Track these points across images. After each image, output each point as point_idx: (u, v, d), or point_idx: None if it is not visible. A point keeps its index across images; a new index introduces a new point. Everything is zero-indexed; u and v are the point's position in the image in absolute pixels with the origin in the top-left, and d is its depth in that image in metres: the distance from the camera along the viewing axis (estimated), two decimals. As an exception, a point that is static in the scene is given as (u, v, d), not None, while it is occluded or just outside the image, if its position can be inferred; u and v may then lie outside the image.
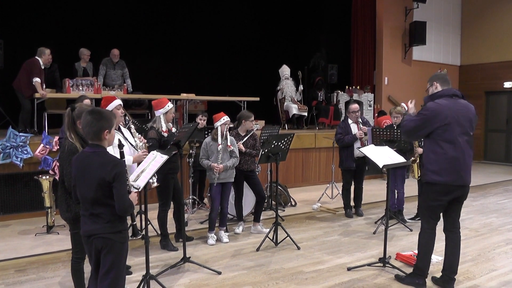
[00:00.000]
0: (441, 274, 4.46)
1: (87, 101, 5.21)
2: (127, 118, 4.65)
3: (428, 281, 4.50)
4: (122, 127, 4.59)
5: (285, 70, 11.25)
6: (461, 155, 4.14)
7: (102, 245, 3.02)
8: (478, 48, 14.79)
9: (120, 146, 3.27)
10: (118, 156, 3.18)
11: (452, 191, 4.18)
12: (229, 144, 5.80)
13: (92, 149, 3.04)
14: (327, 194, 8.52)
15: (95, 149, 3.03)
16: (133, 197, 3.15)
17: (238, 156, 5.92)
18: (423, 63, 14.05)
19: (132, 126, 4.74)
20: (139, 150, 4.51)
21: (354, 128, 7.07)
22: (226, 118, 5.83)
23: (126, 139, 4.51)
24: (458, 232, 4.39)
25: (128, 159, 4.36)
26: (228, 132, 5.89)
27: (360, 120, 7.12)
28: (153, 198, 6.70)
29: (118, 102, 4.49)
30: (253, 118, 6.27)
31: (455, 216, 4.38)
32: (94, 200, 2.98)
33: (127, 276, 4.56)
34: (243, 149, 6.03)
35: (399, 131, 6.22)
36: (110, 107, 4.44)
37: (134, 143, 4.55)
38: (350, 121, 7.15)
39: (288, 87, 11.13)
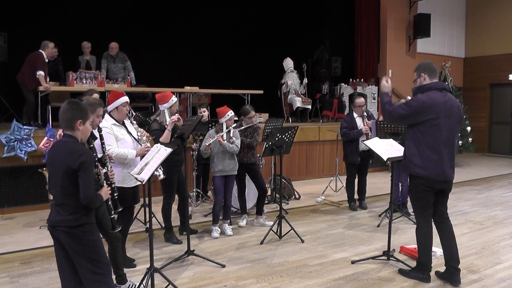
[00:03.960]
0: (445, 267, 4.44)
1: (96, 95, 5.19)
2: (131, 112, 4.64)
3: (432, 275, 4.48)
4: (126, 121, 4.60)
5: (289, 63, 11.23)
6: (446, 150, 4.15)
7: (66, 241, 3.01)
8: (482, 40, 14.70)
9: (89, 141, 3.27)
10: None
11: (435, 184, 4.21)
12: (231, 135, 5.78)
13: (64, 138, 3.07)
14: (331, 187, 8.50)
15: (66, 138, 3.05)
16: (104, 191, 3.18)
17: (239, 146, 5.90)
18: (428, 55, 13.96)
19: (134, 122, 4.75)
20: (142, 144, 4.51)
21: (359, 122, 7.05)
22: (230, 114, 5.80)
23: (130, 133, 4.52)
24: (448, 221, 4.41)
25: (132, 153, 4.37)
26: (232, 126, 5.86)
27: (365, 114, 7.10)
28: (157, 191, 6.71)
29: (125, 99, 4.49)
30: (252, 114, 6.22)
31: (442, 208, 4.40)
32: (61, 189, 2.99)
33: (131, 269, 4.61)
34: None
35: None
36: (117, 103, 4.44)
37: (137, 137, 4.55)
38: (355, 114, 7.12)
39: (292, 80, 11.10)
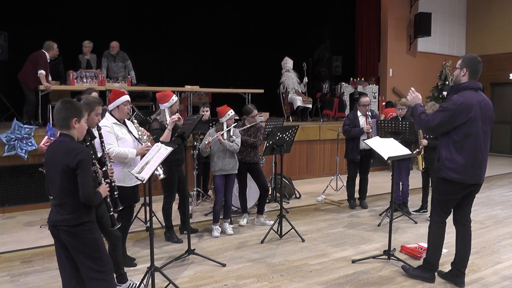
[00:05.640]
0: (450, 268, 4.41)
1: (94, 94, 5.20)
2: (134, 111, 4.64)
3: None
4: (126, 120, 4.60)
5: (287, 63, 11.19)
6: (480, 153, 4.03)
7: (67, 240, 3.02)
8: (483, 39, 14.67)
9: (85, 139, 3.27)
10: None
11: (467, 187, 4.13)
12: (232, 134, 5.78)
13: (61, 138, 3.07)
14: (332, 186, 8.49)
15: (63, 138, 3.06)
16: (103, 188, 3.18)
17: (239, 145, 5.89)
18: (428, 54, 13.97)
19: (135, 121, 4.74)
20: (142, 143, 4.51)
21: (362, 121, 7.05)
22: (231, 113, 5.78)
23: (130, 132, 4.51)
24: (469, 225, 4.33)
25: (132, 152, 4.37)
26: (233, 125, 5.85)
27: (369, 113, 7.09)
28: (157, 190, 6.71)
29: (126, 98, 4.48)
30: (254, 113, 6.19)
31: (468, 209, 4.32)
32: (60, 188, 2.99)
33: (132, 268, 4.61)
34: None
35: (404, 123, 6.20)
36: (118, 102, 4.44)
37: (137, 136, 4.55)
38: (359, 113, 7.12)
39: (289, 80, 11.06)
